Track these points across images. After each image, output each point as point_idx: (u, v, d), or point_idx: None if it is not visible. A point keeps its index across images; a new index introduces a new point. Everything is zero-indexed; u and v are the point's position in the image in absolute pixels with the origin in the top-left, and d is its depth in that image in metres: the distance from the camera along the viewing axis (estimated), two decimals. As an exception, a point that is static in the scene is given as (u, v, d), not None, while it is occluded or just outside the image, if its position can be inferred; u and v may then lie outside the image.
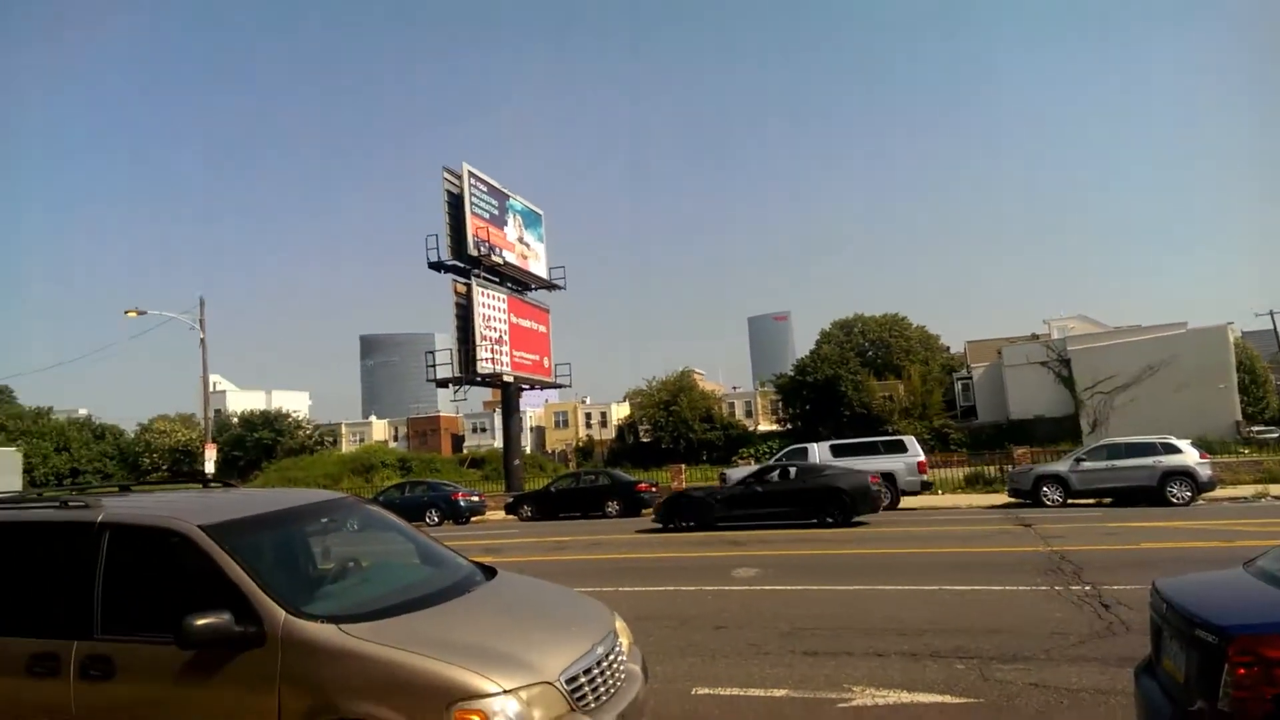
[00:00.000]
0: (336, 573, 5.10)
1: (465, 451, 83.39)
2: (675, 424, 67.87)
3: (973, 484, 29.80)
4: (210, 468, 32.39)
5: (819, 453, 25.74)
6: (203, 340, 33.51)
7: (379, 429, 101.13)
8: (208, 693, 4.11)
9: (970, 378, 68.66)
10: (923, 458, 25.50)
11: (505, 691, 3.91)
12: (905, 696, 6.30)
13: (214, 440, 37.55)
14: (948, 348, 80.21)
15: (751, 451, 59.09)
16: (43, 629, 4.47)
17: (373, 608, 4.49)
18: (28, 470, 65.17)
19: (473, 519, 30.72)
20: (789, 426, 67.56)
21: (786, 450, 27.41)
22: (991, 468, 30.60)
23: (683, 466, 35.58)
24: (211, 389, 39.97)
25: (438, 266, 39.73)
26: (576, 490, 29.99)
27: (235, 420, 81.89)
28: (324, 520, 5.64)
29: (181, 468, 69.21)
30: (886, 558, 13.82)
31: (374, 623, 4.24)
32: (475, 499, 31.85)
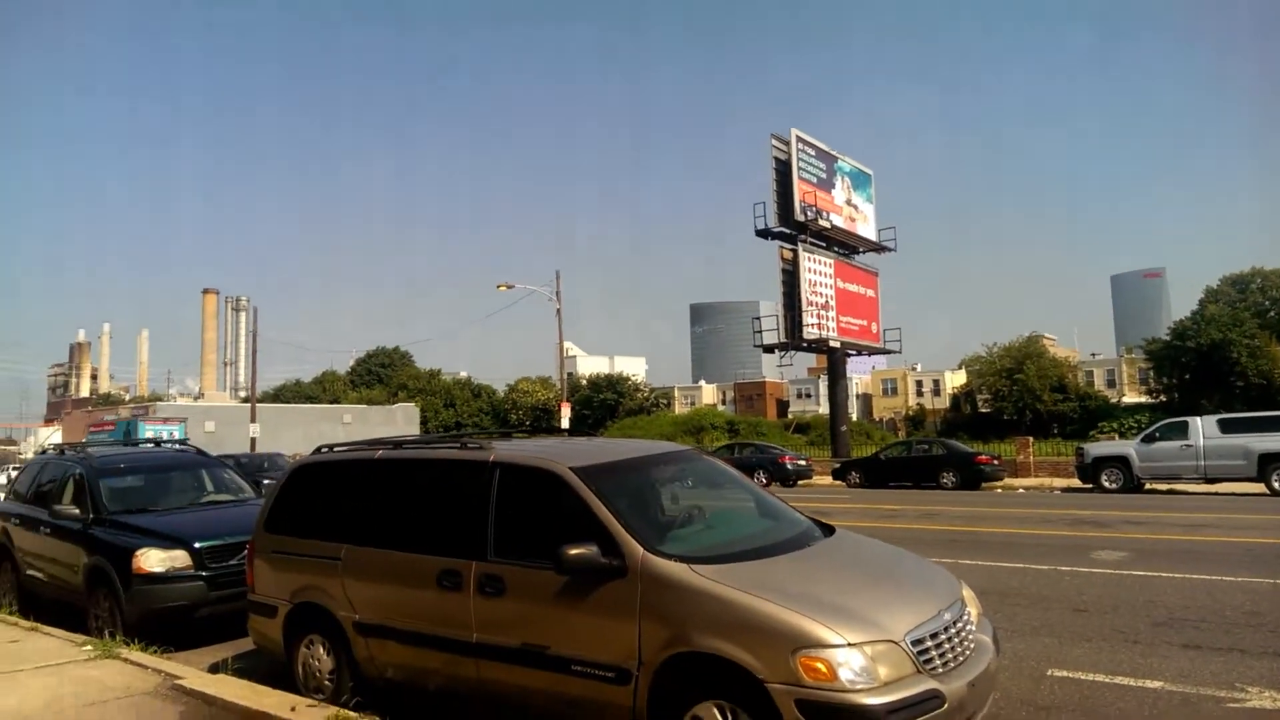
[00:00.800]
0: (682, 518, 5.41)
1: (790, 417, 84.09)
2: (1020, 393, 62.70)
3: None
4: (565, 424, 36.06)
5: (1202, 428, 22.34)
6: (559, 310, 37.13)
7: (708, 393, 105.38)
8: (579, 615, 4.60)
9: None
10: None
11: (850, 645, 3.93)
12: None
13: (567, 400, 41.58)
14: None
15: (1114, 426, 52.73)
16: (448, 549, 5.27)
17: (719, 552, 4.73)
18: (423, 422, 77.20)
19: (799, 483, 30.93)
20: (1161, 398, 59.44)
21: (1162, 424, 24.13)
22: None
23: (1030, 440, 32.71)
24: (565, 354, 44.28)
25: (765, 234, 40.15)
26: (908, 459, 28.96)
27: (584, 382, 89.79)
28: (671, 468, 6.02)
29: (541, 424, 77.41)
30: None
31: (721, 566, 4.46)
32: (802, 463, 32.04)
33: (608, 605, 4.51)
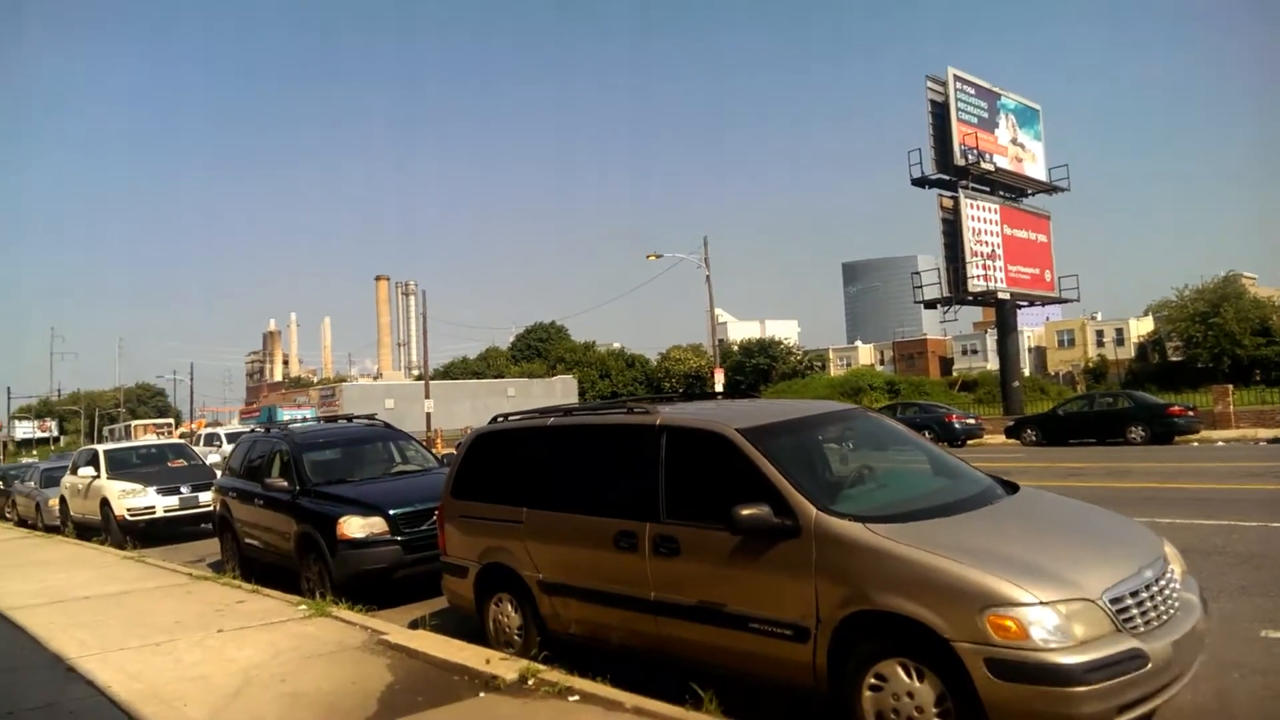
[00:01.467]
0: (852, 478, 5.34)
1: (955, 374, 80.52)
2: (1216, 339, 57.26)
3: None
4: (719, 390, 36.15)
5: None
6: (708, 277, 37.12)
7: (864, 353, 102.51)
8: (754, 574, 4.65)
9: None
10: None
11: (1042, 603, 3.78)
12: None
13: (720, 366, 41.63)
14: None
15: (1329, 369, 47.31)
16: (622, 511, 5.44)
17: (895, 510, 4.64)
18: (581, 393, 79.51)
19: (968, 442, 29.68)
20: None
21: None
22: None
23: (1229, 388, 29.86)
24: (715, 320, 44.26)
25: (922, 182, 38.35)
26: (1090, 414, 27.14)
27: (735, 348, 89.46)
28: (837, 427, 5.94)
29: (694, 391, 77.94)
30: None
31: (899, 524, 4.37)
32: (971, 421, 30.72)
33: (782, 564, 4.53)
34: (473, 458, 6.93)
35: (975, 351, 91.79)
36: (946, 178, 38.37)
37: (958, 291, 38.44)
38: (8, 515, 22.35)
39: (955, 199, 38.07)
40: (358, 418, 12.01)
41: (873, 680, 4.12)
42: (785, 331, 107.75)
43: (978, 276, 37.82)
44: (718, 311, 45.77)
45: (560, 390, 75.13)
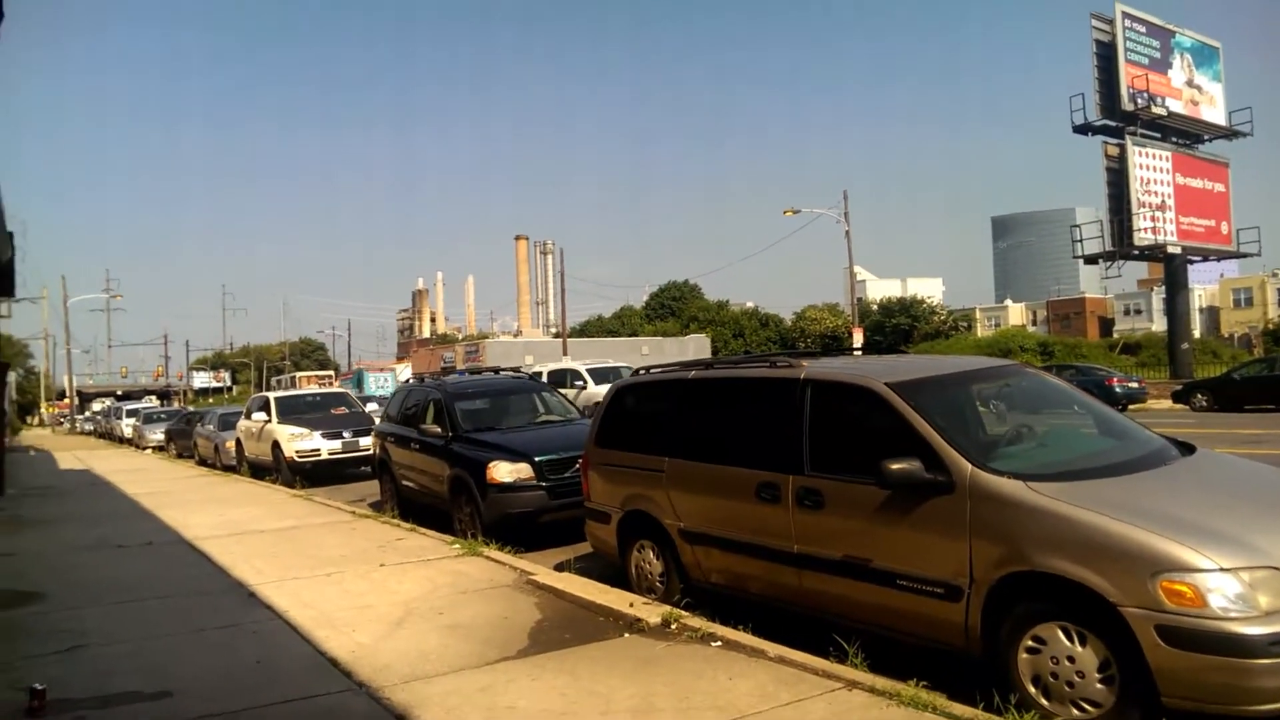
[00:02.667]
0: (1011, 435, 5.11)
1: (1116, 336, 75.33)
2: None
3: None
4: (858, 350, 35.26)
5: None
6: (847, 232, 36.11)
7: (1015, 313, 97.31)
8: (903, 531, 4.55)
9: None
10: None
11: (1223, 569, 3.53)
12: None
13: (858, 325, 40.56)
14: None
15: None
16: (765, 463, 5.42)
17: (1058, 469, 4.42)
18: (714, 353, 79.41)
19: (1130, 407, 27.79)
20: None
21: None
22: None
23: None
24: (854, 278, 43.06)
25: (1084, 129, 35.78)
26: (1270, 378, 24.85)
27: (874, 307, 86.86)
28: (994, 384, 5.69)
29: (831, 350, 76.34)
30: None
31: (1062, 484, 4.16)
32: (1134, 385, 28.74)
33: (934, 521, 4.40)
34: (615, 408, 7.07)
35: (1139, 311, 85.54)
36: (1112, 124, 35.68)
37: (1122, 245, 35.87)
38: (190, 455, 24.57)
39: (1122, 146, 35.37)
40: (504, 370, 12.49)
41: (1030, 643, 3.97)
42: (928, 290, 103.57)
43: (1145, 229, 35.14)
44: (856, 269, 44.44)
45: (694, 349, 75.24)
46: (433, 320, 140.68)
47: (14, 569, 8.44)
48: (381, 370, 60.09)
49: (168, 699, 4.59)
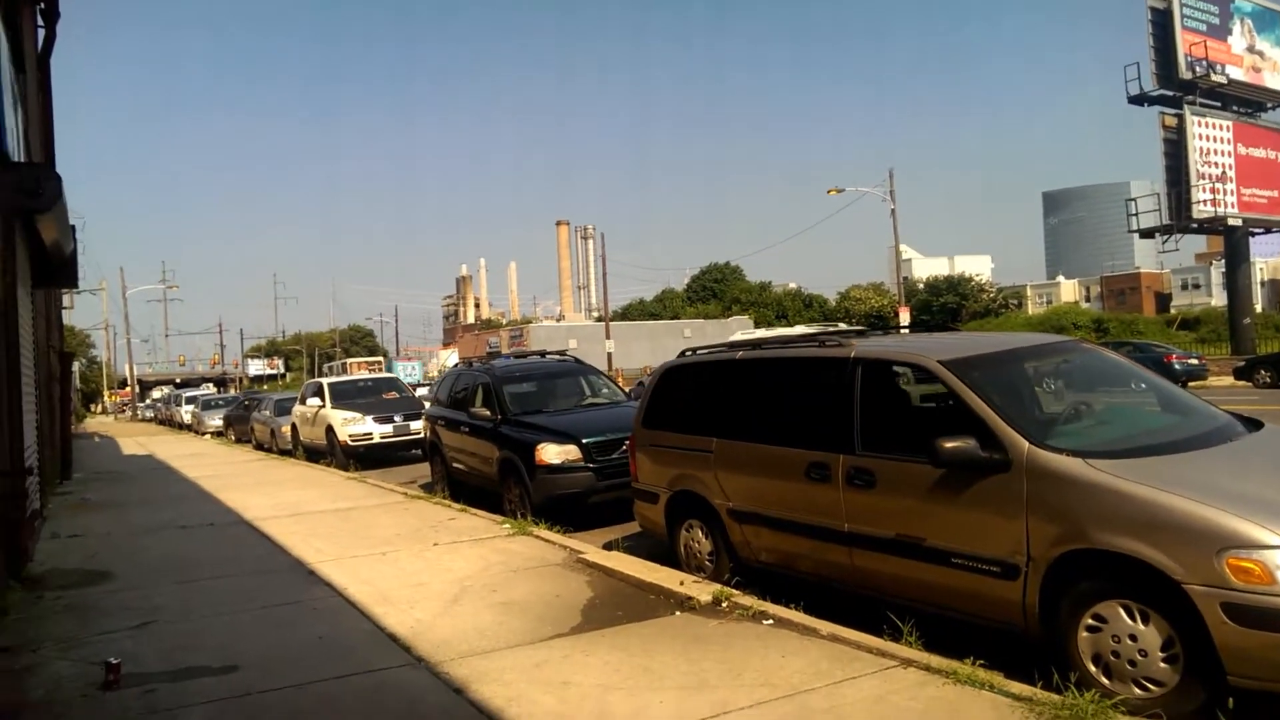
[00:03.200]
0: (1069, 413, 5.01)
1: (1173, 311, 73.24)
2: None
3: None
4: (905, 330, 34.82)
5: None
6: (893, 210, 35.57)
7: (1067, 290, 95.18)
8: (958, 508, 4.50)
9: None
10: None
11: (1293, 547, 3.43)
12: None
13: (904, 304, 40.01)
14: None
15: None
16: (814, 443, 5.40)
17: (1119, 446, 4.34)
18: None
19: (1189, 384, 27.06)
20: None
21: None
22: None
23: None
24: (899, 256, 42.41)
25: (1140, 100, 34.70)
26: (1339, 354, 24.02)
27: (921, 286, 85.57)
28: (1050, 360, 5.59)
29: (877, 330, 75.37)
30: None
31: (1122, 460, 4.09)
32: (1193, 362, 28.03)
33: (989, 499, 4.35)
34: (663, 390, 7.09)
35: (1197, 286, 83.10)
36: (1169, 93, 34.55)
37: (1180, 219, 34.83)
38: (248, 440, 25.20)
39: (1179, 116, 34.27)
40: (550, 353, 12.58)
41: (1090, 621, 3.92)
42: (976, 267, 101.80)
43: (1204, 201, 34.08)
44: (902, 248, 43.81)
45: (736, 331, 75.03)
46: (477, 306, 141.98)
47: (85, 549, 8.76)
48: (409, 360, 61.32)
49: (235, 673, 4.74)
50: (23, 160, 8.44)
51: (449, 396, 12.05)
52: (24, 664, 5.06)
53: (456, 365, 13.80)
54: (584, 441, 8.87)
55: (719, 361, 6.66)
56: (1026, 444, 4.26)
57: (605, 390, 11.27)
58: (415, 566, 7.13)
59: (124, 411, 70.37)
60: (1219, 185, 34.38)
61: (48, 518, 10.84)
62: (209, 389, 60.10)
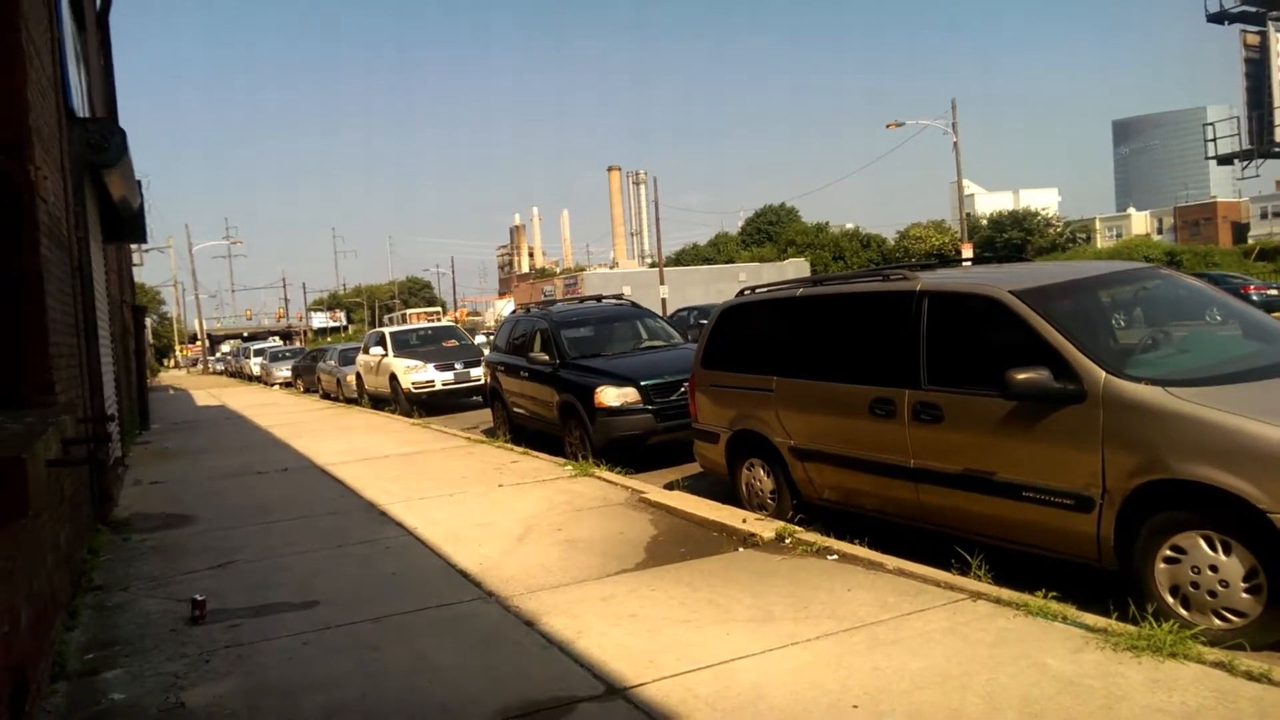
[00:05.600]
0: (1147, 341, 4.84)
1: (1251, 242, 70.00)
2: None
3: None
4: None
5: None
6: (955, 144, 34.41)
7: (1138, 222, 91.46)
8: (1029, 442, 4.40)
9: None
10: None
11: (1389, 475, 3.28)
12: None
13: (967, 241, 38.92)
14: None
15: None
16: (879, 379, 5.32)
17: (1200, 374, 4.19)
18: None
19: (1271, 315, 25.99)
20: None
21: None
22: None
23: None
24: (962, 192, 41.08)
25: (1220, 17, 32.70)
26: None
27: (984, 222, 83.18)
28: (1127, 288, 5.39)
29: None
30: None
31: (1205, 388, 3.94)
32: (1272, 292, 26.88)
33: (1063, 431, 4.24)
34: (722, 330, 7.03)
35: (1278, 215, 79.15)
36: (1252, 9, 32.47)
37: (1262, 143, 33.01)
38: (314, 390, 25.90)
39: (1263, 34, 32.24)
40: (607, 298, 12.59)
41: (1168, 552, 3.82)
42: (1042, 201, 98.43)
43: (1289, 124, 32.18)
44: (965, 182, 42.43)
45: (792, 273, 73.70)
46: (531, 255, 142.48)
47: (167, 494, 9.14)
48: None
49: (315, 608, 4.93)
50: (87, 116, 8.62)
51: (507, 342, 12.16)
52: (115, 602, 5.32)
53: (514, 311, 13.90)
54: (642, 384, 8.90)
55: (779, 299, 6.57)
56: (1103, 374, 4.12)
57: (662, 333, 11.25)
58: (481, 507, 7.28)
59: (195, 365, 72.85)
60: (1306, 106, 32.43)
61: (129, 465, 11.32)
62: (275, 341, 61.78)
